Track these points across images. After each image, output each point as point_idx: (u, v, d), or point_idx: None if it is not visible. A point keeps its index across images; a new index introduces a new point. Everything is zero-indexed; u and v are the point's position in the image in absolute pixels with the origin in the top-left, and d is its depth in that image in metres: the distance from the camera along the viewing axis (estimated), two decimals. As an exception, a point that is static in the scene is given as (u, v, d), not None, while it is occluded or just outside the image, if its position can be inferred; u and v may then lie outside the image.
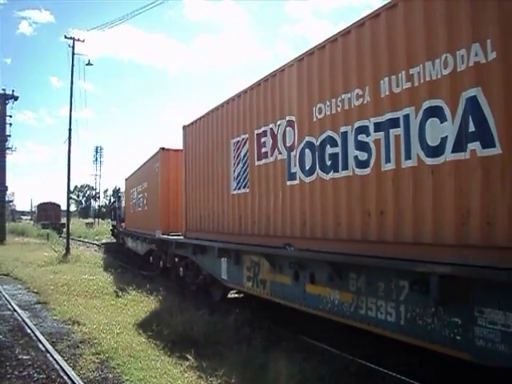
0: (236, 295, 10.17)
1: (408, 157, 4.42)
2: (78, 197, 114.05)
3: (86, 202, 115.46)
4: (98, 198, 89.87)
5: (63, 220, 40.11)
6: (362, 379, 5.20)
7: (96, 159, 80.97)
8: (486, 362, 3.67)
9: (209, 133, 9.24)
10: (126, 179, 20.89)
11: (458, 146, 3.92)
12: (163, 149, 13.17)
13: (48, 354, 6.11)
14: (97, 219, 69.48)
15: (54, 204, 49.87)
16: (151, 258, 14.83)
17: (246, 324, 7.28)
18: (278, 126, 6.65)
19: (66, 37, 22.72)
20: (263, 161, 7.07)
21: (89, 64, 22.89)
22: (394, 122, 4.59)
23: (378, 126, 4.79)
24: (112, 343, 6.39)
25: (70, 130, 22.05)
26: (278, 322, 7.62)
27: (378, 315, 4.67)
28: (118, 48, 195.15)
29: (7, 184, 32.36)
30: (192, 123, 10.24)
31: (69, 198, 24.24)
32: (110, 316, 8.21)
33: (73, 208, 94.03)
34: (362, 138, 5.01)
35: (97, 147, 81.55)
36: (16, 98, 31.52)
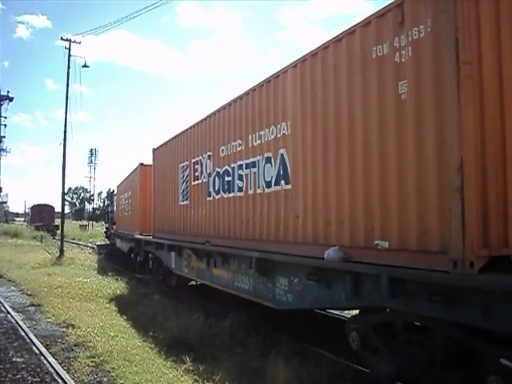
0: (194, 283, 12.18)
1: (259, 186, 7.15)
2: (72, 199, 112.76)
3: (80, 204, 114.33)
4: (92, 200, 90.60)
5: (57, 222, 39.47)
6: None
7: (91, 161, 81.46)
8: (279, 307, 6.39)
9: (168, 157, 12.02)
10: (118, 186, 23.67)
11: (277, 182, 6.65)
12: (142, 164, 15.97)
13: (42, 357, 6.11)
14: (91, 222, 68.49)
15: (47, 206, 49.29)
16: (132, 255, 17.60)
17: (242, 328, 7.27)
18: (204, 157, 9.40)
19: (62, 38, 22.84)
20: (196, 182, 9.82)
21: (85, 66, 23.03)
22: (253, 164, 7.32)
23: (247, 165, 7.52)
24: (107, 346, 6.42)
25: (65, 131, 22.03)
26: (273, 326, 7.66)
27: (241, 285, 7.40)
28: (113, 53, 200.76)
29: (1, 185, 33.03)
30: (158, 147, 13.03)
31: (63, 200, 24.29)
32: (104, 319, 8.31)
33: (67, 210, 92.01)
34: (240, 172, 7.75)
35: (91, 149, 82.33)
36: (11, 99, 32.85)
